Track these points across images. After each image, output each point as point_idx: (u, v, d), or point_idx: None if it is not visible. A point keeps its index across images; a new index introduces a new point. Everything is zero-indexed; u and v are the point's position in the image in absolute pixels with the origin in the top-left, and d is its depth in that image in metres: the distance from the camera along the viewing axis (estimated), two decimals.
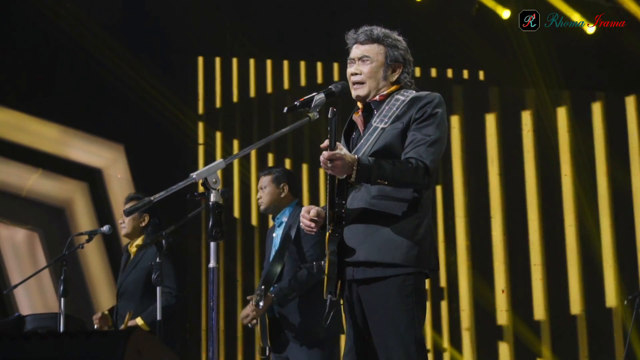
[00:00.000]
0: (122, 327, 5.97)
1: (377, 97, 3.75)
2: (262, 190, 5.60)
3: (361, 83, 3.75)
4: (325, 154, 3.42)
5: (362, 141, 3.68)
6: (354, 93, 3.77)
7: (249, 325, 5.51)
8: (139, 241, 6.18)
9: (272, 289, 5.34)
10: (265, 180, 5.62)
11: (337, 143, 3.45)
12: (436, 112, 3.65)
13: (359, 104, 3.81)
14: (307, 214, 3.67)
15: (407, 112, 3.67)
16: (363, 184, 3.60)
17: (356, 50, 3.79)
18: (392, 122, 3.66)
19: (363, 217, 3.60)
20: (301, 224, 3.73)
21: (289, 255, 5.42)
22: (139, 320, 5.92)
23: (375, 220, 3.59)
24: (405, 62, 3.80)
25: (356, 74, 3.76)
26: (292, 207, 5.56)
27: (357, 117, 3.79)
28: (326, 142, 3.44)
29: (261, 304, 5.25)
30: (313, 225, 3.67)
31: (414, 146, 3.60)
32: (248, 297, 5.44)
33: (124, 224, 6.16)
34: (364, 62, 3.76)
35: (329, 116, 3.41)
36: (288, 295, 5.31)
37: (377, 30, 3.79)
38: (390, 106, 3.71)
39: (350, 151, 3.67)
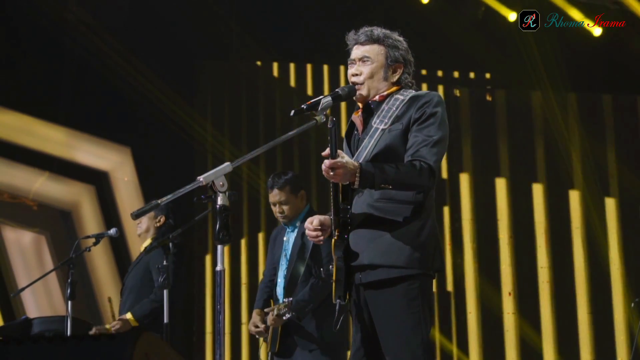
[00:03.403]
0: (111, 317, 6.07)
1: (376, 98, 3.75)
2: (283, 205, 5.48)
3: (361, 84, 3.74)
4: (326, 162, 3.42)
5: (363, 143, 3.68)
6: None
7: (257, 336, 5.50)
8: (149, 241, 6.22)
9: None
10: (284, 194, 5.49)
11: (339, 151, 3.44)
12: (436, 112, 3.64)
13: (359, 104, 3.81)
14: (311, 225, 3.66)
15: (406, 112, 3.66)
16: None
17: (357, 51, 3.79)
18: (392, 123, 3.65)
19: (367, 222, 3.60)
20: (308, 237, 3.72)
21: (305, 262, 5.38)
22: (128, 315, 6.00)
23: (379, 224, 3.59)
24: (406, 63, 3.80)
25: (356, 74, 3.76)
26: (305, 212, 5.52)
27: (356, 117, 3.79)
28: (327, 151, 3.44)
29: (287, 316, 5.19)
30: (319, 234, 3.67)
31: (417, 148, 3.59)
32: (267, 310, 5.41)
33: (140, 224, 6.22)
34: (364, 62, 3.76)
35: (328, 125, 3.41)
36: (306, 307, 5.28)
37: (378, 31, 3.79)
38: (389, 106, 3.70)
39: (351, 152, 3.68)
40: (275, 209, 5.55)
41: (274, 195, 5.53)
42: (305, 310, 5.28)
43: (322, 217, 3.69)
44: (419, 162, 3.54)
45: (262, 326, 5.43)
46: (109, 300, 6.37)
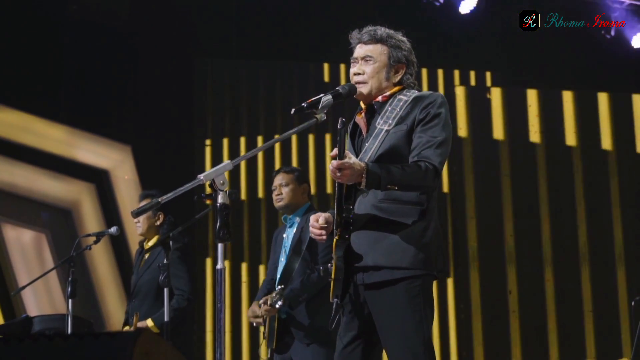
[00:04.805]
0: (132, 328, 5.97)
1: (379, 98, 3.75)
2: (283, 187, 5.56)
3: (363, 83, 3.75)
4: (334, 162, 3.42)
5: (367, 144, 3.68)
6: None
7: (254, 324, 5.52)
8: (153, 240, 6.19)
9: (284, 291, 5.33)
10: (288, 177, 5.58)
11: (346, 151, 3.45)
12: (440, 113, 3.65)
13: (362, 105, 3.81)
14: (316, 223, 3.67)
15: (410, 113, 3.67)
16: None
17: (359, 50, 3.79)
18: (396, 124, 3.66)
19: (371, 223, 3.60)
20: (311, 233, 3.72)
21: (301, 256, 5.42)
22: (149, 322, 5.93)
23: (382, 226, 3.59)
24: (409, 63, 3.80)
25: (359, 73, 3.76)
26: (304, 208, 5.56)
27: (360, 119, 3.79)
28: (335, 151, 3.44)
29: (280, 303, 5.23)
30: (323, 232, 3.67)
31: (421, 149, 3.59)
32: (263, 300, 5.43)
33: (139, 224, 6.18)
34: (366, 62, 3.76)
35: (338, 127, 3.41)
36: (299, 297, 5.32)
37: (381, 31, 3.79)
38: (393, 107, 3.71)
39: (356, 154, 3.68)
40: (275, 194, 5.59)
41: (278, 179, 5.60)
42: (299, 300, 5.31)
43: (327, 215, 3.69)
44: (424, 163, 3.55)
45: (258, 310, 5.45)
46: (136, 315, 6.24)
